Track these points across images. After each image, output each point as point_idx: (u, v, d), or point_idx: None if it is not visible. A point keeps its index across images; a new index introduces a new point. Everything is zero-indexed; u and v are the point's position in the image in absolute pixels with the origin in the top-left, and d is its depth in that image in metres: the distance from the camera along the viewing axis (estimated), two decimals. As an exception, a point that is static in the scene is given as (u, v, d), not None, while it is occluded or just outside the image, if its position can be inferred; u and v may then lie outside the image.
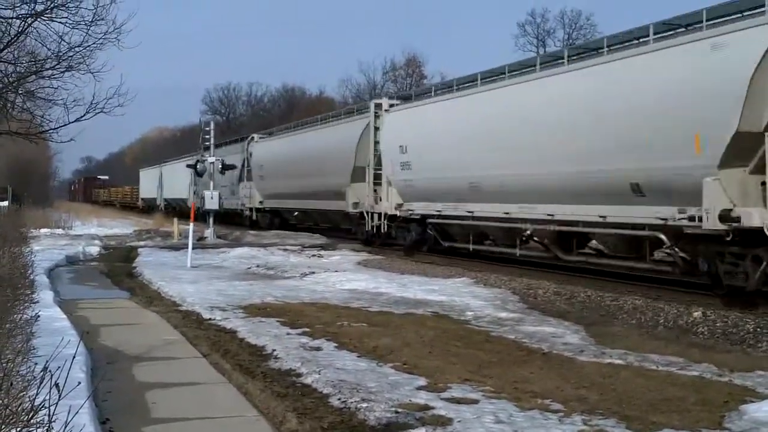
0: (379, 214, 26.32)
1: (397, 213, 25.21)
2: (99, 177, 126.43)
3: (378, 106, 26.51)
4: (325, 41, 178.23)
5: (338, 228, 33.46)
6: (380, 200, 26.11)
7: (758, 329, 11.29)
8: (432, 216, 23.49)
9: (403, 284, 16.92)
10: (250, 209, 41.31)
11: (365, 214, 27.08)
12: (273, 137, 41.13)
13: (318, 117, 36.81)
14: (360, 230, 28.78)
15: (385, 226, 26.04)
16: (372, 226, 26.82)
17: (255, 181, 40.34)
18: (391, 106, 26.13)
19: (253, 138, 42.55)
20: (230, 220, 44.68)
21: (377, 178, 26.15)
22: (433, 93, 24.57)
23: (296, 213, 36.21)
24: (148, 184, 73.84)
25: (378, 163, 26.21)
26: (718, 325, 11.84)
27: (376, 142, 26.12)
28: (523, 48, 70.14)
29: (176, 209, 57.07)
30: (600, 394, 7.67)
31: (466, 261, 21.77)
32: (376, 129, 26.14)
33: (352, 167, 28.07)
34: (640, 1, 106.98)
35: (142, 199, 77.70)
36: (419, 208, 24.10)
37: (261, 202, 40.21)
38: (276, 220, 39.81)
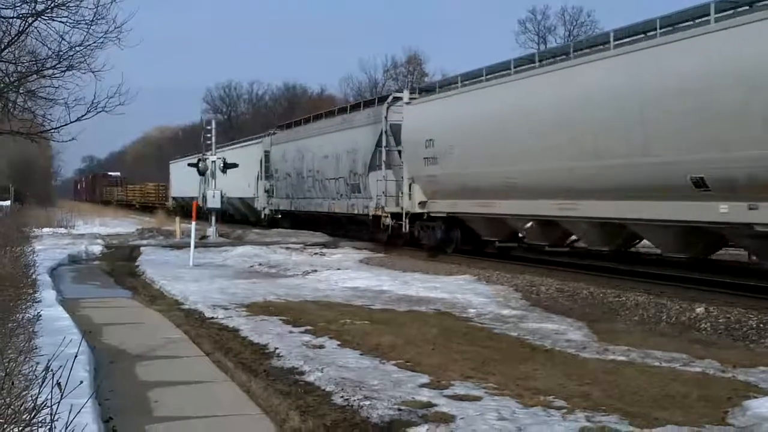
0: None
1: None
2: (110, 173, 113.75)
3: None
4: (326, 39, 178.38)
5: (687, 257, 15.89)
6: None
7: (761, 325, 11.27)
8: None
9: (406, 282, 16.92)
10: (395, 215, 24.84)
11: None
12: (464, 90, 21.77)
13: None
14: None
15: None
16: None
17: (410, 167, 24.15)
18: None
19: (396, 99, 26.07)
20: (350, 233, 30.50)
21: None
22: None
23: (529, 225, 19.33)
24: (184, 179, 50.76)
25: None
26: (721, 321, 11.83)
27: None
28: (524, 45, 70.08)
29: (232, 214, 44.20)
30: (603, 390, 7.66)
31: (468, 258, 21.70)
32: None
33: None
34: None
35: (174, 198, 61.37)
36: None
37: (423, 204, 23.80)
38: (453, 233, 23.35)
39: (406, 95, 25.28)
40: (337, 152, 29.38)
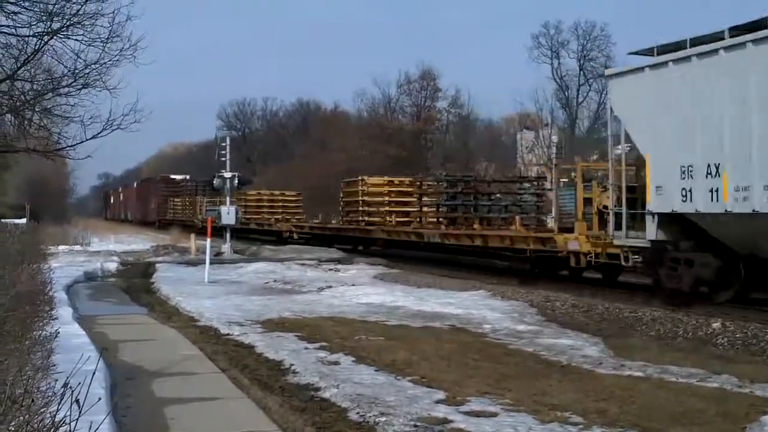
0: None
1: None
2: (172, 176, 74.40)
3: None
4: (339, 55, 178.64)
5: None
6: None
7: (779, 340, 11.21)
8: None
9: (420, 297, 16.90)
10: None
11: None
12: None
13: None
14: None
15: None
16: None
17: None
18: None
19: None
20: None
21: None
22: None
23: None
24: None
25: None
26: (737, 336, 11.76)
27: None
28: (537, 60, 70.10)
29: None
30: (620, 406, 7.62)
31: (481, 274, 21.69)
32: None
33: None
34: (653, 12, 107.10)
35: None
36: None
37: None
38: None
39: None
40: None
